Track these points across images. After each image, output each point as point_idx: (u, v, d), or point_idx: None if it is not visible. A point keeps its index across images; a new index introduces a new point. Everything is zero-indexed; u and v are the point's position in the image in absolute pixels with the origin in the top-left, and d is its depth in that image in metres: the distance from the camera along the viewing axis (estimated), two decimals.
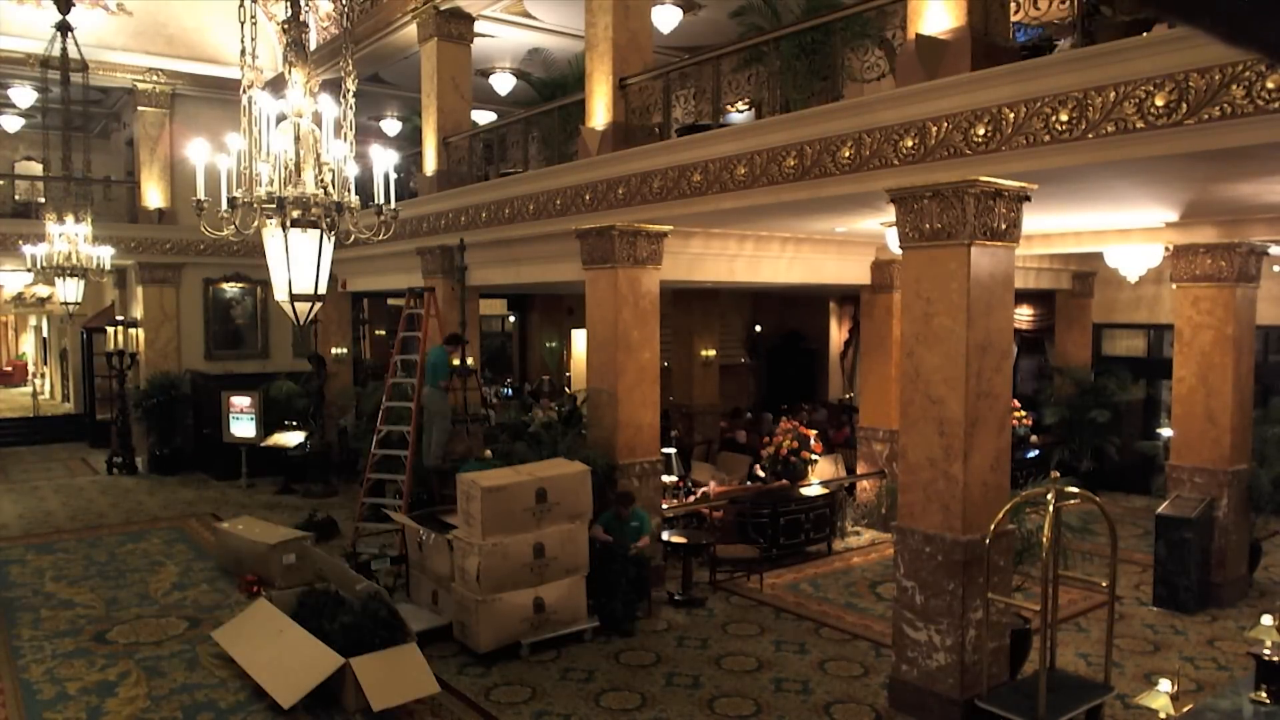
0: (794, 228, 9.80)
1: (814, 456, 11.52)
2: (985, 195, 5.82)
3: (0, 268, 16.91)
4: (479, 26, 11.64)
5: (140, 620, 8.38)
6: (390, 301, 18.84)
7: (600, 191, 8.67)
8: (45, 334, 27.18)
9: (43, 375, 27.40)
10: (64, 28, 11.83)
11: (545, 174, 9.58)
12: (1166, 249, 9.41)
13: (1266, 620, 5.05)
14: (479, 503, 7.32)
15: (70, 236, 11.37)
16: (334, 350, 15.69)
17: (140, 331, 16.17)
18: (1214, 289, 8.60)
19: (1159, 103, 4.75)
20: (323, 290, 4.91)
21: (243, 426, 14.44)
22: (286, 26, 4.96)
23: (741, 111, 8.19)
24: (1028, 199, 6.09)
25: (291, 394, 14.73)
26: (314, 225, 4.70)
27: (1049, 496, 5.51)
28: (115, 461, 15.70)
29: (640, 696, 6.76)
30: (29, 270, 12.67)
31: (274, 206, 4.59)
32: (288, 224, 4.61)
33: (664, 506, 9.75)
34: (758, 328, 19.24)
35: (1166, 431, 11.03)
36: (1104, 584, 5.98)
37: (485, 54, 12.80)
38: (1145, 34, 5.01)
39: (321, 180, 4.73)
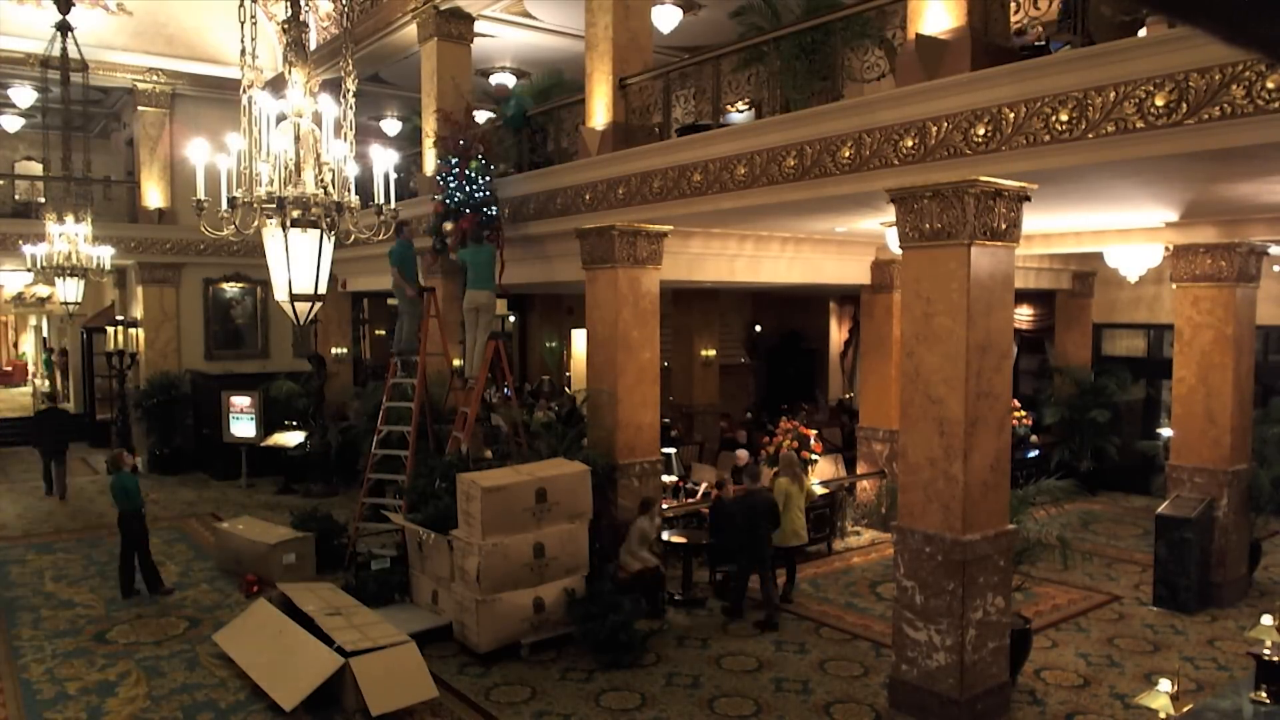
0: (794, 228, 9.80)
1: (814, 456, 11.51)
2: (985, 195, 5.82)
3: (0, 268, 16.91)
4: (479, 26, 11.63)
5: (140, 620, 8.38)
6: (390, 301, 18.81)
7: (600, 191, 8.66)
8: (45, 334, 27.17)
9: (42, 375, 27.37)
10: (64, 28, 11.84)
11: (545, 174, 9.58)
12: (1166, 249, 9.41)
13: (1266, 620, 5.05)
14: (479, 503, 7.32)
15: (70, 236, 11.37)
16: (334, 350, 15.69)
17: (140, 331, 16.17)
18: (1214, 289, 8.60)
19: (1159, 103, 4.75)
20: (323, 290, 4.91)
21: (242, 426, 14.44)
22: (286, 26, 4.97)
23: (741, 111, 8.18)
24: (1028, 199, 6.09)
25: (291, 394, 14.73)
26: (314, 225, 4.71)
27: None
28: None
29: (640, 696, 6.75)
30: (29, 270, 12.67)
31: (274, 206, 4.60)
32: (288, 224, 4.62)
33: (664, 506, 9.73)
34: (758, 328, 19.23)
35: (1166, 431, 11.03)
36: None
37: (485, 54, 12.80)
38: (1141, 33, 5.02)
39: (321, 180, 4.74)
